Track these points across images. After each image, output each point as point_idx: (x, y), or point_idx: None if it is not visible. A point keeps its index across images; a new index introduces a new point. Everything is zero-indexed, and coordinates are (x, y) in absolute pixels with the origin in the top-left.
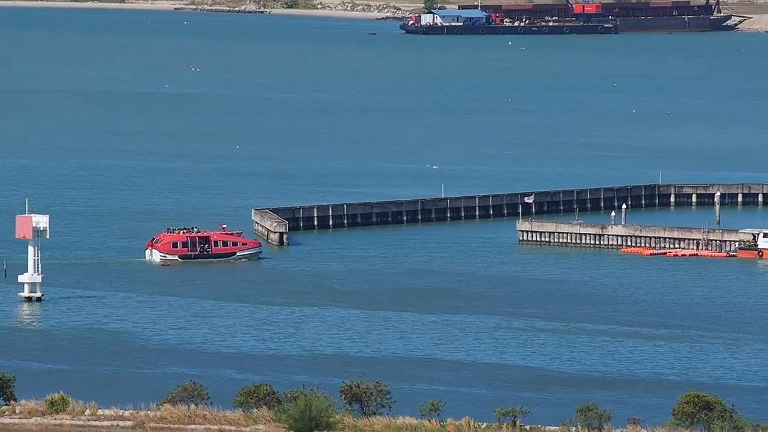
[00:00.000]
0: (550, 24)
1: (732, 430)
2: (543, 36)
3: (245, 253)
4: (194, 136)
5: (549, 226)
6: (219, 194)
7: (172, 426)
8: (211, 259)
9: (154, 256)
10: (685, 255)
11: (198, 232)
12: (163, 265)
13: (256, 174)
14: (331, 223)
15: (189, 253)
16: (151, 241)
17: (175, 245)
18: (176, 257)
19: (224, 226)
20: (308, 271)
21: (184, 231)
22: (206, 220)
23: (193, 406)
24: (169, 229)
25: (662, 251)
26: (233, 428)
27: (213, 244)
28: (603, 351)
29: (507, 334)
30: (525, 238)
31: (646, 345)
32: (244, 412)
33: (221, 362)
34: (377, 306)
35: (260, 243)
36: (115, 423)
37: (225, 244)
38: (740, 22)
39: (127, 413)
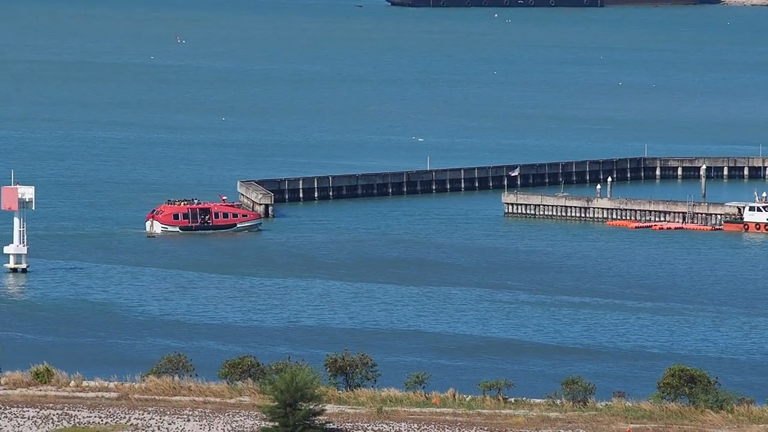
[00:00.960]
0: None
1: (716, 403)
2: (529, 9)
3: (246, 224)
4: (180, 107)
5: (534, 199)
6: (204, 166)
7: (156, 397)
8: (211, 231)
9: (155, 227)
10: (670, 228)
11: (198, 203)
12: (149, 237)
13: (242, 145)
14: (316, 195)
15: (190, 224)
16: (152, 212)
17: (176, 217)
18: (177, 228)
19: (224, 198)
20: (293, 242)
21: (185, 202)
22: (192, 190)
23: (177, 378)
24: (169, 200)
25: (648, 224)
26: (218, 400)
27: (213, 215)
28: (587, 323)
29: (491, 306)
30: (510, 210)
31: (630, 317)
32: (228, 384)
33: (205, 333)
34: (362, 278)
35: (260, 214)
36: (99, 394)
37: (225, 215)
38: None
39: (111, 385)
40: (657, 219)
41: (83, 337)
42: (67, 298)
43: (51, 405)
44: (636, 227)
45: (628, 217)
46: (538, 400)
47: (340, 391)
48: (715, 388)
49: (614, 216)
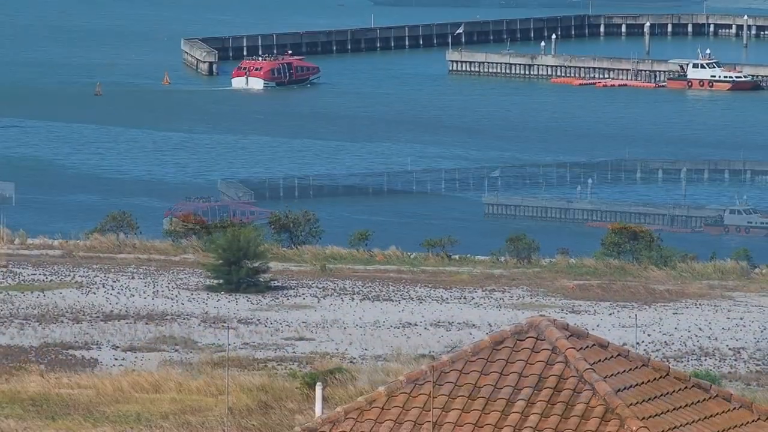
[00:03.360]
0: None
1: (660, 260)
2: None
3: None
4: None
5: (479, 56)
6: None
7: (101, 255)
8: None
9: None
10: (614, 85)
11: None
12: (96, 94)
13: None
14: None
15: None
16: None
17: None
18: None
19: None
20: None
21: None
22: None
23: (122, 236)
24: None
25: (592, 81)
26: (162, 257)
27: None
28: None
29: (426, 162)
30: (455, 68)
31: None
32: (172, 242)
33: (145, 190)
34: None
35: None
36: (44, 252)
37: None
38: None
39: (56, 242)
40: (601, 76)
41: (28, 194)
42: (10, 155)
43: None
44: (580, 84)
45: (572, 75)
46: (482, 258)
47: (284, 249)
48: (658, 245)
49: (558, 73)
